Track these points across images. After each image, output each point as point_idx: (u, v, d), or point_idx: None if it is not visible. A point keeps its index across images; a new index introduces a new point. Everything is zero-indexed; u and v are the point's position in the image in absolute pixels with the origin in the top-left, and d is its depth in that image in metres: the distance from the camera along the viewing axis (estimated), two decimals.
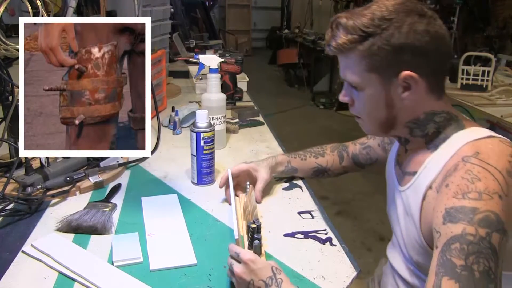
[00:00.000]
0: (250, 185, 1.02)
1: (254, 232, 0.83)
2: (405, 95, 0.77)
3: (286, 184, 1.17)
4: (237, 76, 1.88)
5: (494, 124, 2.09)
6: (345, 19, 0.76)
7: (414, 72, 0.75)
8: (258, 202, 1.04)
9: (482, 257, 0.63)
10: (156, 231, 0.93)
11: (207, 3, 6.40)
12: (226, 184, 1.05)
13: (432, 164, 0.78)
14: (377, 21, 0.73)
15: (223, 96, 1.37)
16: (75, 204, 1.02)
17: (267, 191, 1.11)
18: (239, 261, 0.75)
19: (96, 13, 3.34)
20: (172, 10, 2.28)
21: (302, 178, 1.20)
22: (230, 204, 1.04)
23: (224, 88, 1.51)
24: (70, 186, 1.06)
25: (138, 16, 1.43)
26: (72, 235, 0.90)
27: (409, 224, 0.83)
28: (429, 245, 0.78)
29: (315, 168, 1.17)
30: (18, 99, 1.10)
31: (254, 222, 0.83)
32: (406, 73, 0.75)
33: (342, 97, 0.86)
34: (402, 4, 0.75)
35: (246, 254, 0.74)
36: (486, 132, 0.76)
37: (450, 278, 0.63)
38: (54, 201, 1.03)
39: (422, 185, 0.79)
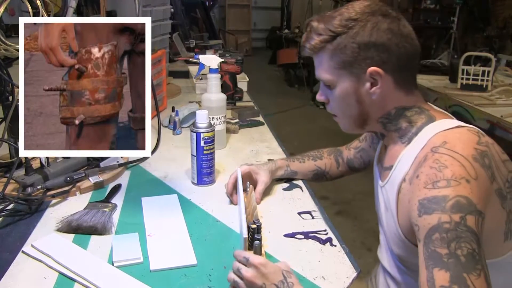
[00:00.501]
0: (251, 186, 1.02)
1: (254, 233, 0.83)
2: (372, 90, 0.82)
3: (286, 185, 1.17)
4: (237, 76, 1.88)
5: (494, 124, 2.09)
6: (316, 22, 0.83)
7: (379, 68, 0.79)
8: (258, 203, 1.05)
9: (462, 241, 0.65)
10: (156, 232, 0.92)
11: (207, 3, 6.40)
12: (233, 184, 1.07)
13: (405, 158, 0.81)
14: (344, 21, 0.80)
15: (223, 96, 1.37)
16: (75, 204, 1.02)
17: (267, 191, 1.11)
18: (246, 266, 0.73)
19: (96, 13, 3.33)
20: (172, 10, 2.28)
21: (302, 179, 1.20)
22: (235, 204, 1.05)
23: (224, 88, 1.50)
24: (70, 186, 1.06)
25: (138, 16, 1.43)
26: (72, 236, 0.90)
27: (389, 218, 0.86)
28: (408, 238, 0.80)
29: (315, 171, 1.19)
30: (18, 99, 1.10)
31: (254, 223, 0.83)
32: (372, 68, 0.79)
33: (319, 97, 0.90)
34: (367, 6, 0.81)
35: (256, 258, 0.73)
36: (455, 122, 0.79)
37: (440, 269, 0.64)
38: (54, 201, 1.03)
39: (397, 178, 0.82)
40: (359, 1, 0.84)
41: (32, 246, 0.85)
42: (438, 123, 0.80)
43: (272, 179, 1.13)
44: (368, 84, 0.82)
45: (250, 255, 0.74)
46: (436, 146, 0.74)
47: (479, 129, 0.78)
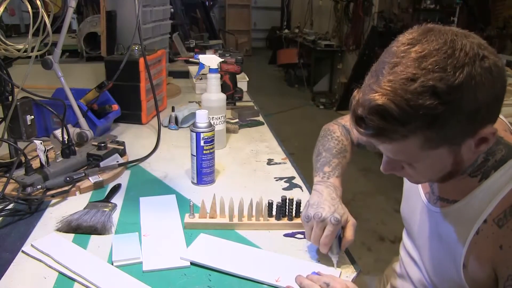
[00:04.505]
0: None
1: (294, 204, 0.91)
2: (480, 148, 0.65)
3: (286, 184, 1.17)
4: (237, 76, 1.88)
5: None
6: (390, 103, 0.57)
7: (491, 125, 0.63)
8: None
9: None
10: (152, 232, 0.92)
11: (207, 3, 6.40)
12: None
13: (483, 195, 0.69)
14: (443, 95, 0.56)
15: (223, 96, 1.37)
16: (75, 204, 1.02)
17: (267, 191, 1.11)
18: None
19: (96, 13, 3.34)
20: (172, 10, 2.28)
21: (302, 178, 1.20)
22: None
23: (224, 88, 1.50)
24: (70, 186, 1.06)
25: (138, 16, 1.43)
26: (72, 235, 0.90)
27: (443, 251, 0.76)
28: (467, 281, 0.72)
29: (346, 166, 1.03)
30: (18, 99, 1.10)
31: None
32: (486, 130, 0.62)
33: (386, 170, 0.72)
34: (453, 56, 0.57)
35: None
36: None
37: None
38: (54, 201, 1.03)
39: (471, 217, 0.69)
40: (415, 39, 0.60)
41: (32, 246, 0.85)
42: None
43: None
44: (473, 144, 0.64)
45: (331, 280, 0.72)
46: None
47: None
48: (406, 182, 0.91)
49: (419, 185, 0.85)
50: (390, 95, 0.57)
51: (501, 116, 0.74)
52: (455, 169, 0.69)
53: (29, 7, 1.05)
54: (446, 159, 0.66)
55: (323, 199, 0.86)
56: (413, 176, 0.73)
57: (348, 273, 0.82)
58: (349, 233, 0.84)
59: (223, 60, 1.70)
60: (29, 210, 0.98)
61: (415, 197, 0.86)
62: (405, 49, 0.59)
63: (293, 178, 1.20)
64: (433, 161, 0.66)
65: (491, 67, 0.59)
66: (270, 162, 1.31)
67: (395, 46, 0.61)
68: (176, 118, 1.57)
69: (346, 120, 1.07)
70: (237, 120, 1.67)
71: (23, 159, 1.06)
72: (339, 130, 1.05)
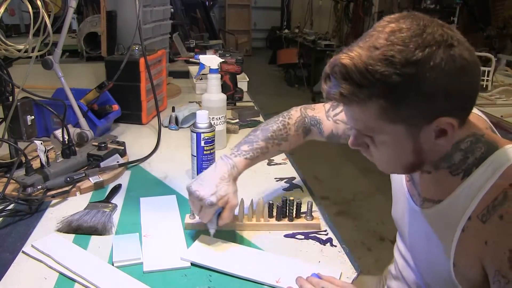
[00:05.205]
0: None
1: (294, 204, 0.92)
2: (439, 141, 0.66)
3: (286, 185, 1.17)
4: (237, 76, 1.88)
5: (494, 124, 2.08)
6: (352, 65, 0.61)
7: (450, 118, 0.63)
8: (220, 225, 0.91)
9: None
10: (152, 232, 0.92)
11: (207, 3, 6.40)
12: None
13: (466, 192, 0.69)
14: (399, 67, 0.59)
15: (223, 96, 1.37)
16: (75, 204, 1.02)
17: (267, 191, 1.11)
18: None
19: (96, 13, 3.33)
20: (172, 10, 2.28)
21: (302, 179, 1.20)
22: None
23: (224, 88, 1.50)
24: (70, 187, 1.06)
25: (138, 16, 1.43)
26: (72, 236, 0.90)
27: (434, 251, 0.76)
28: (458, 280, 0.72)
29: (277, 153, 1.03)
30: (18, 99, 1.10)
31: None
32: (443, 119, 0.63)
33: (354, 144, 0.73)
34: (420, 36, 0.60)
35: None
36: None
37: None
38: (54, 201, 1.03)
39: (456, 215, 0.70)
40: (395, 18, 0.64)
41: (32, 246, 0.85)
42: (504, 151, 0.68)
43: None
44: (433, 134, 0.66)
45: (329, 284, 0.74)
46: None
47: None
48: (394, 185, 0.91)
49: (406, 188, 0.84)
50: (355, 58, 0.61)
51: (482, 115, 0.80)
52: (417, 159, 0.70)
53: (30, 7, 1.05)
54: (405, 142, 0.67)
55: (211, 177, 0.90)
56: (377, 159, 0.73)
57: (348, 273, 0.82)
58: (225, 215, 0.89)
59: (223, 60, 1.69)
60: (30, 210, 0.98)
61: (402, 199, 0.86)
62: (383, 25, 0.64)
63: (294, 178, 1.20)
64: (392, 140, 0.67)
65: (457, 57, 0.60)
66: (270, 162, 1.30)
67: (377, 23, 0.66)
68: (176, 118, 1.57)
69: (318, 111, 1.04)
70: (237, 120, 1.67)
71: (23, 159, 1.06)
72: (297, 118, 1.03)
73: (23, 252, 0.84)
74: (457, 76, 0.61)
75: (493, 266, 0.64)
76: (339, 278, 0.80)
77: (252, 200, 0.95)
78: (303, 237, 0.92)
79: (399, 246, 0.95)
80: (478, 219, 0.67)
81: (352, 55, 0.62)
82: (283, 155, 1.36)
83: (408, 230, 0.86)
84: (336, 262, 0.85)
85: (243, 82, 2.05)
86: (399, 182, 0.87)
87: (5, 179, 1.03)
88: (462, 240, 0.69)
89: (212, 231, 0.89)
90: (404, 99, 0.61)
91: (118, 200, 1.05)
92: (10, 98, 1.11)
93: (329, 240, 0.92)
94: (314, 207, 1.00)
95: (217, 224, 0.89)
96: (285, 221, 0.95)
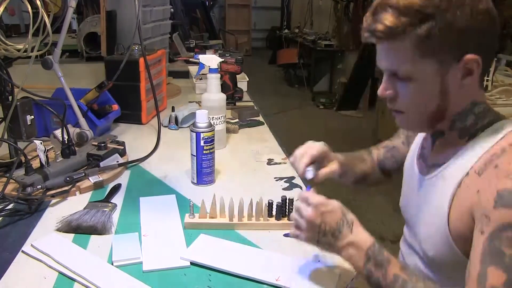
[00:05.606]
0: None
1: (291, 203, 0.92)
2: (466, 81, 0.71)
3: (286, 184, 1.17)
4: (237, 76, 1.88)
5: None
6: (396, 1, 0.68)
7: (477, 55, 0.69)
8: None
9: None
10: (152, 232, 0.92)
11: (207, 3, 6.40)
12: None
13: (469, 151, 0.74)
14: (436, 0, 0.66)
15: (223, 96, 1.37)
16: (75, 204, 1.02)
17: (267, 191, 1.11)
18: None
19: (96, 13, 3.33)
20: (172, 10, 2.28)
21: (302, 178, 1.20)
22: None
23: (224, 88, 1.51)
24: (70, 186, 1.06)
25: (138, 16, 1.43)
26: (72, 235, 0.90)
27: (431, 214, 0.79)
28: (453, 236, 0.74)
29: (365, 168, 1.06)
30: (18, 99, 1.10)
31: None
32: (470, 56, 0.69)
33: (383, 92, 0.77)
34: None
35: (315, 197, 0.74)
36: None
37: (498, 268, 0.60)
38: (54, 201, 1.03)
39: (456, 172, 0.74)
40: None
41: (32, 246, 0.85)
42: (509, 121, 0.74)
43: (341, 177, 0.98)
44: (459, 74, 0.71)
45: (310, 194, 0.75)
46: None
47: None
48: (405, 173, 0.94)
49: (416, 168, 0.87)
50: None
51: None
52: (442, 104, 0.74)
53: (29, 7, 1.05)
54: (433, 81, 0.72)
55: None
56: (405, 106, 0.76)
57: (348, 273, 0.82)
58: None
59: (223, 60, 1.70)
60: (29, 210, 0.98)
61: (410, 178, 0.89)
62: None
63: (293, 178, 1.20)
64: (422, 78, 0.72)
65: (483, 1, 0.69)
66: (270, 162, 1.31)
67: None
68: (176, 118, 1.57)
69: (373, 147, 1.10)
70: (237, 120, 1.67)
71: (23, 159, 1.06)
72: (363, 150, 1.10)
73: (23, 251, 0.84)
74: (483, 16, 0.69)
75: (480, 210, 0.66)
76: (338, 279, 0.80)
77: (251, 199, 0.95)
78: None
79: (405, 235, 0.95)
80: (475, 173, 0.71)
81: None
82: (282, 155, 1.36)
83: (413, 207, 0.87)
84: (335, 261, 0.85)
85: (242, 82, 2.05)
86: (411, 163, 0.91)
87: (4, 179, 1.03)
88: (458, 194, 0.73)
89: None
90: (436, 31, 0.67)
91: (118, 199, 1.05)
92: (10, 98, 1.11)
93: None
94: None
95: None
96: (285, 220, 0.95)
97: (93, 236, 0.90)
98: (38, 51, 1.11)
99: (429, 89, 0.73)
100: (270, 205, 0.95)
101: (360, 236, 0.74)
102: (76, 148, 1.19)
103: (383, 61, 0.75)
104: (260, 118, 1.71)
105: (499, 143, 0.70)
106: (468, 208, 0.70)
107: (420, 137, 0.91)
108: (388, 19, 0.68)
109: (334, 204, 0.75)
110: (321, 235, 0.73)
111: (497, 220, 0.63)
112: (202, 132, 1.10)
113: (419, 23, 0.67)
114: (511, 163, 0.65)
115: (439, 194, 0.77)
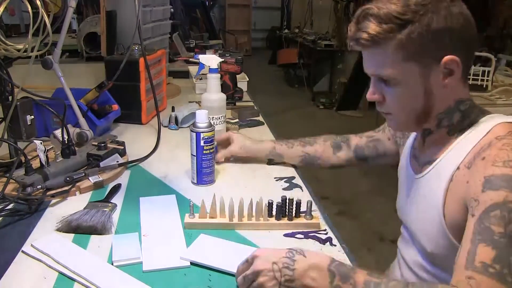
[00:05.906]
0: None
1: (294, 204, 0.93)
2: (447, 81, 0.76)
3: (286, 184, 1.17)
4: (237, 76, 1.88)
5: None
6: (376, 9, 0.73)
7: (456, 56, 0.74)
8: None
9: None
10: (152, 232, 0.92)
11: (207, 3, 6.40)
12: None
13: (458, 147, 0.78)
14: (413, 7, 0.72)
15: (223, 96, 1.37)
16: (75, 204, 1.02)
17: (266, 190, 1.11)
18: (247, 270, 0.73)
19: (96, 13, 3.34)
20: (172, 10, 2.28)
21: (302, 178, 1.20)
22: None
23: (224, 88, 1.50)
24: (70, 186, 1.06)
25: (138, 16, 1.43)
26: (72, 235, 0.90)
27: (427, 210, 0.81)
28: (449, 230, 0.77)
29: (302, 156, 1.20)
30: (18, 99, 1.10)
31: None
32: (449, 57, 0.74)
33: (371, 96, 0.82)
34: None
35: (250, 251, 0.74)
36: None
37: (487, 245, 0.62)
38: (54, 201, 1.03)
39: (447, 168, 0.78)
40: None
41: (32, 246, 0.85)
42: (494, 115, 0.79)
43: (258, 157, 1.23)
44: (441, 75, 0.76)
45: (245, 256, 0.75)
46: (502, 135, 0.72)
47: None
48: (400, 173, 0.97)
49: (408, 162, 0.91)
50: (379, 5, 0.74)
51: None
52: (427, 104, 0.78)
53: (29, 7, 1.05)
54: (417, 83, 0.76)
55: None
56: (393, 108, 0.81)
57: None
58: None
59: (223, 60, 1.69)
60: (29, 210, 0.98)
61: (405, 178, 0.93)
62: None
63: (293, 178, 1.20)
64: (406, 81, 0.76)
65: (457, 6, 0.75)
66: (270, 162, 1.30)
67: None
68: (176, 118, 1.57)
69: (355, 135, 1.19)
70: (237, 120, 1.67)
71: (23, 159, 1.06)
72: (328, 135, 1.24)
73: (23, 251, 0.84)
74: (457, 18, 0.73)
75: (471, 196, 0.70)
76: None
77: (251, 199, 0.95)
78: (302, 236, 0.93)
79: (402, 234, 0.97)
80: (465, 167, 0.75)
81: (378, 5, 0.74)
82: None
83: (409, 205, 0.90)
84: None
85: (242, 82, 2.05)
86: (405, 165, 0.94)
87: (4, 179, 1.03)
88: (451, 188, 0.77)
89: None
90: (416, 35, 0.72)
91: (118, 199, 1.05)
92: (10, 97, 1.11)
93: (329, 240, 0.92)
94: (314, 207, 1.00)
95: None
96: (285, 220, 0.95)
97: (93, 236, 0.90)
98: (38, 51, 1.11)
99: (414, 91, 0.77)
100: (270, 205, 0.95)
101: (316, 257, 0.71)
102: (76, 148, 1.19)
103: (369, 67, 0.80)
104: (260, 118, 1.71)
105: (486, 137, 0.74)
106: (461, 199, 0.74)
107: (411, 138, 0.94)
108: (370, 27, 0.74)
109: (269, 248, 0.75)
110: (279, 274, 0.69)
111: (485, 201, 0.66)
112: (202, 132, 1.10)
113: (399, 29, 0.72)
114: (497, 154, 0.69)
115: (433, 190, 0.80)
